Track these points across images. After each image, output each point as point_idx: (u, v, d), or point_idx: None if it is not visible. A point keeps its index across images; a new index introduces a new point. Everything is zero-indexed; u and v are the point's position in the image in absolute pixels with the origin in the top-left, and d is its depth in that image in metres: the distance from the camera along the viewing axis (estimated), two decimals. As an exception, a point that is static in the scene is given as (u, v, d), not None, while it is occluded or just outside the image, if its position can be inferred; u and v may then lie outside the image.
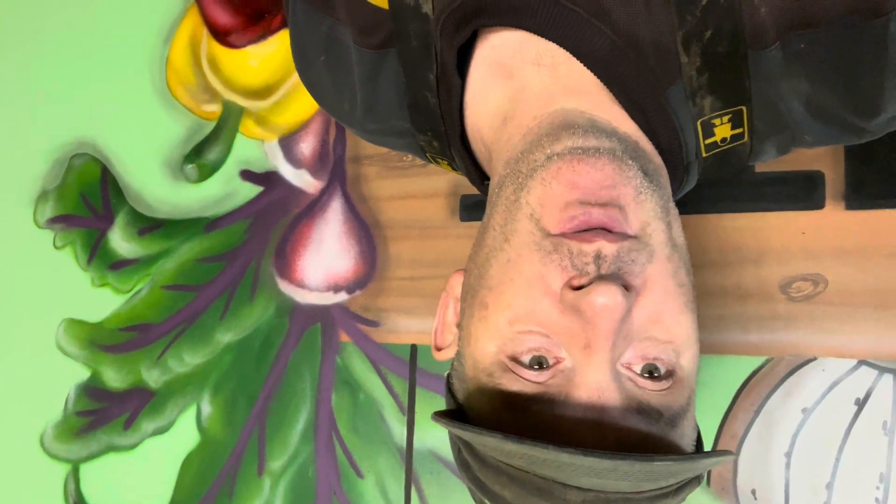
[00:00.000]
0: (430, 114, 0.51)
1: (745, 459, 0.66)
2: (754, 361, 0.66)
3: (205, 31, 0.93)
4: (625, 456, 0.33)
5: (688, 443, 0.41)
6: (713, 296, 0.67)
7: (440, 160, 0.56)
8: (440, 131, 0.52)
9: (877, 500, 0.61)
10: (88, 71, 0.99)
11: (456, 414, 0.42)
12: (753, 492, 0.65)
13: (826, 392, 0.64)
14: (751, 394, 0.66)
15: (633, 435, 0.37)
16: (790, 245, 0.65)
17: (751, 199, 0.67)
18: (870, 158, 0.64)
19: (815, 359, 0.64)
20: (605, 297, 0.35)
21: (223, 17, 0.92)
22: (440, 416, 0.39)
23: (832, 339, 0.64)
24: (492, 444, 0.35)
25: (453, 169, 0.58)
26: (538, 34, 0.44)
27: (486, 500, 0.42)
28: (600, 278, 0.36)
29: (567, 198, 0.38)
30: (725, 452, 0.37)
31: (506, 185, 0.42)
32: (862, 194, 0.64)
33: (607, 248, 0.37)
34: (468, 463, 0.41)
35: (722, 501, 0.66)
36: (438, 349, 0.49)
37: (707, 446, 0.65)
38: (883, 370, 0.62)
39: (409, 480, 0.75)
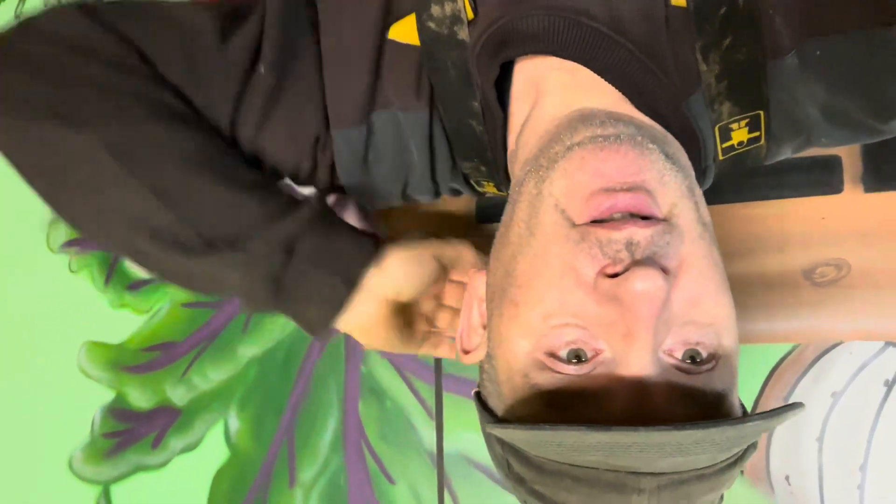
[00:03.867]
0: (475, 140, 0.50)
1: (777, 446, 0.66)
2: (781, 349, 0.66)
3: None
4: (716, 422, 0.32)
5: (736, 409, 0.40)
6: (737, 285, 0.66)
7: (485, 183, 0.56)
8: (487, 158, 0.51)
9: (912, 479, 0.62)
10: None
11: (501, 422, 0.41)
12: (787, 478, 0.65)
13: (854, 375, 0.64)
14: (779, 381, 0.66)
15: (682, 419, 0.35)
16: (811, 231, 0.66)
17: (770, 186, 0.67)
18: (885, 141, 0.64)
19: (841, 343, 0.64)
20: (645, 282, 0.34)
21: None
22: (495, 425, 0.38)
23: (858, 322, 0.64)
24: (571, 439, 0.33)
25: (498, 191, 0.57)
26: (561, 57, 0.44)
27: None
28: (636, 263, 0.35)
29: (592, 187, 0.38)
30: (797, 405, 0.36)
31: (527, 181, 0.42)
32: (879, 176, 0.64)
33: (639, 233, 0.36)
34: (522, 477, 0.39)
35: (757, 489, 0.66)
36: (466, 352, 0.48)
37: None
38: (911, 351, 0.62)
39: (442, 484, 0.76)
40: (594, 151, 0.38)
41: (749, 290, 0.67)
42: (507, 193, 0.53)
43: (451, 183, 0.57)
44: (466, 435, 0.76)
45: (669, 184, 0.38)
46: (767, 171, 0.67)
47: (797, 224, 0.66)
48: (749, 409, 0.66)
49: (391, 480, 0.78)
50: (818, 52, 0.41)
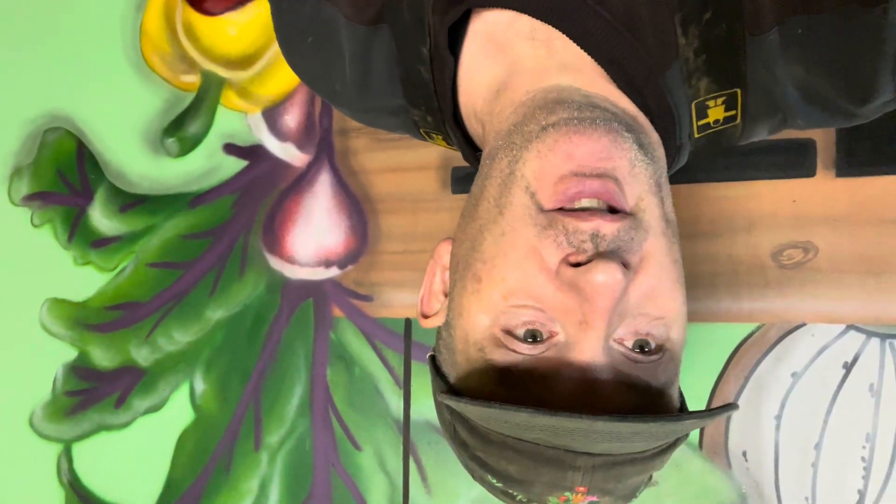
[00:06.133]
0: (423, 88, 0.50)
1: (736, 423, 0.67)
2: (746, 328, 0.67)
3: (179, -2, 0.89)
4: (656, 418, 0.34)
5: (675, 403, 0.42)
6: (705, 264, 0.68)
7: (434, 135, 0.55)
8: (434, 106, 0.51)
9: (863, 458, 0.64)
10: (58, 40, 0.95)
11: (452, 392, 0.42)
12: (744, 454, 0.67)
13: (815, 357, 0.65)
14: (742, 359, 0.67)
15: (625, 406, 0.38)
16: (781, 213, 0.66)
17: (743, 167, 0.67)
18: (859, 126, 0.64)
19: (804, 324, 0.66)
20: (605, 275, 0.35)
21: (198, -17, 0.88)
22: (447, 395, 0.39)
23: (821, 305, 0.65)
24: (518, 419, 0.35)
25: (448, 144, 0.57)
26: (533, 16, 0.43)
27: (488, 476, 0.42)
28: (599, 255, 0.36)
29: (562, 170, 0.38)
30: (732, 406, 0.38)
31: (499, 157, 0.42)
32: (852, 162, 0.65)
33: (606, 227, 0.37)
34: (466, 443, 0.41)
35: (714, 464, 0.68)
36: (425, 317, 0.49)
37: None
38: (870, 334, 0.64)
39: (407, 451, 0.76)
40: (567, 134, 0.39)
41: (717, 270, 0.68)
42: (455, 148, 0.54)
43: (388, 119, 0.56)
44: (433, 403, 0.76)
45: (639, 175, 0.39)
46: (741, 153, 0.67)
47: (767, 206, 0.66)
48: (711, 387, 0.68)
49: (357, 446, 0.79)
50: (799, 31, 0.41)
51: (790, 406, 0.66)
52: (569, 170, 0.38)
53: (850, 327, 0.64)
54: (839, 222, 0.65)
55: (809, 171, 0.66)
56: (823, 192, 0.65)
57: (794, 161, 0.66)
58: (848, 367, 0.64)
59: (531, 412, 0.34)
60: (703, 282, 0.68)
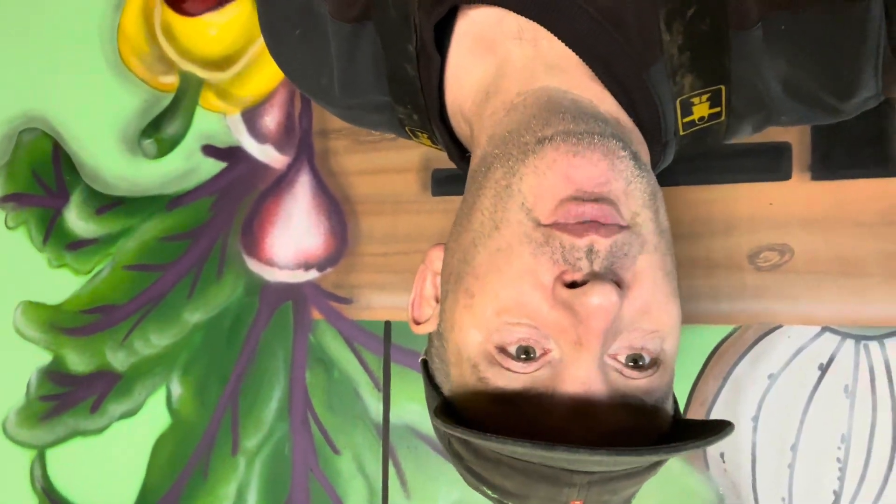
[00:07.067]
0: (409, 86, 0.50)
1: (714, 424, 0.68)
2: (723, 330, 0.67)
3: (158, -2, 0.89)
4: (652, 450, 0.34)
5: (669, 416, 0.42)
6: (683, 266, 0.68)
7: (420, 133, 0.55)
8: (420, 104, 0.51)
9: (838, 459, 0.64)
10: (34, 40, 0.94)
11: (447, 407, 0.42)
12: (722, 455, 0.67)
13: (791, 358, 0.66)
14: (720, 361, 0.68)
15: (620, 425, 0.38)
16: (758, 216, 0.67)
17: (720, 170, 0.68)
18: (835, 129, 0.65)
19: (781, 326, 0.66)
20: (601, 298, 0.35)
21: (177, -17, 0.88)
22: (439, 418, 0.39)
23: (798, 307, 0.65)
24: (498, 448, 0.35)
25: (433, 143, 0.56)
26: (518, 13, 0.43)
27: (484, 487, 0.42)
28: (594, 276, 0.36)
29: (561, 194, 0.38)
30: (729, 429, 0.37)
31: (494, 167, 0.41)
32: (827, 165, 0.65)
33: (600, 242, 0.37)
34: (460, 455, 0.41)
35: (692, 465, 0.68)
36: (417, 322, 0.49)
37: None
38: (845, 336, 0.64)
39: (387, 456, 0.76)
40: (567, 156, 0.38)
41: (695, 272, 0.68)
42: (440, 147, 0.53)
43: (373, 116, 0.56)
44: (413, 406, 0.76)
45: (634, 193, 0.39)
46: (718, 155, 0.68)
47: (744, 209, 0.67)
48: (690, 388, 0.68)
49: (336, 450, 0.78)
50: (783, 26, 0.41)
51: (767, 407, 0.66)
52: (567, 194, 0.38)
53: (825, 329, 0.65)
54: (815, 225, 0.65)
55: (785, 175, 0.66)
56: (799, 194, 0.66)
57: (770, 164, 0.67)
58: (823, 369, 0.65)
59: (527, 446, 0.33)
60: (681, 283, 0.68)
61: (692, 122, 0.46)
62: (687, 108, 0.45)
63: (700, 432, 0.37)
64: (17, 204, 0.93)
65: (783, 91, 0.44)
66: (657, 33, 0.42)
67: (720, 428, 0.37)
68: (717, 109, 0.46)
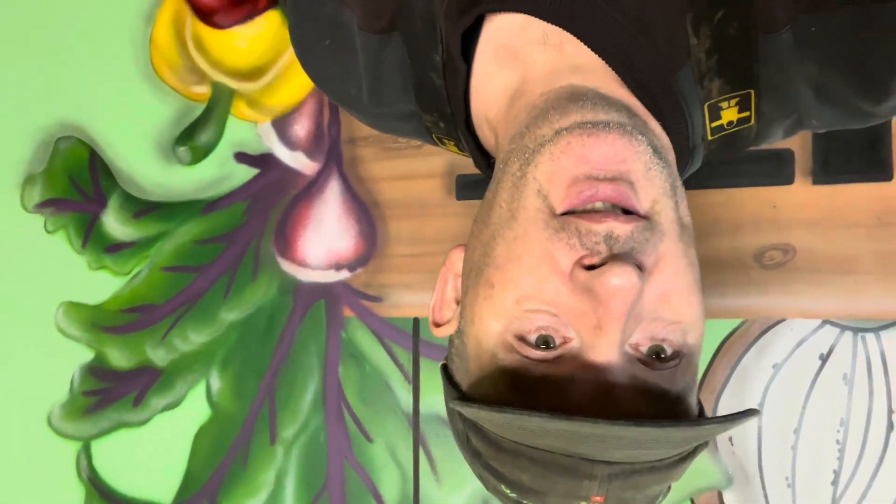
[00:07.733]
0: (436, 95, 0.49)
1: (722, 411, 0.73)
2: (731, 323, 0.73)
3: (189, 11, 0.93)
4: (675, 423, 0.33)
5: (693, 410, 0.41)
6: (694, 266, 0.73)
7: (447, 141, 0.55)
8: (446, 113, 0.50)
9: (837, 441, 0.70)
10: (69, 51, 0.98)
11: (465, 399, 0.41)
12: (730, 439, 0.73)
13: (794, 349, 0.71)
14: (727, 353, 0.73)
15: (641, 414, 0.36)
16: (763, 217, 0.72)
17: (727, 175, 0.73)
18: (835, 137, 0.70)
19: (784, 320, 0.71)
20: (621, 278, 0.34)
21: (207, -2, 0.92)
22: (459, 401, 0.39)
23: (800, 302, 0.71)
24: (533, 424, 0.34)
25: (459, 150, 0.56)
26: (543, 18, 0.42)
27: (502, 486, 0.41)
28: (614, 258, 0.35)
29: (575, 172, 0.37)
30: (752, 412, 0.36)
31: (511, 161, 0.41)
32: (828, 170, 0.70)
33: (620, 228, 0.36)
34: (479, 451, 0.40)
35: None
36: (437, 325, 0.49)
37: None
38: (844, 328, 0.70)
39: (417, 443, 0.81)
40: (581, 137, 0.38)
41: (703, 271, 0.72)
42: (467, 154, 0.53)
43: (401, 124, 0.56)
44: (441, 397, 0.80)
45: (654, 179, 0.38)
46: (724, 161, 0.73)
47: (750, 211, 0.72)
48: (700, 379, 0.74)
49: (369, 439, 0.83)
50: (813, 28, 0.39)
51: (771, 395, 0.72)
52: (582, 173, 0.37)
53: (825, 322, 0.70)
54: (815, 226, 0.70)
55: (788, 179, 0.71)
56: (801, 198, 0.71)
57: (774, 170, 0.71)
58: (824, 359, 0.70)
59: (545, 417, 0.33)
60: (691, 281, 0.73)
61: (721, 127, 0.45)
62: (715, 113, 0.44)
63: (724, 420, 0.36)
64: (56, 209, 0.98)
65: (814, 95, 0.43)
66: (684, 38, 0.41)
67: (744, 413, 0.36)
68: (747, 114, 0.44)
